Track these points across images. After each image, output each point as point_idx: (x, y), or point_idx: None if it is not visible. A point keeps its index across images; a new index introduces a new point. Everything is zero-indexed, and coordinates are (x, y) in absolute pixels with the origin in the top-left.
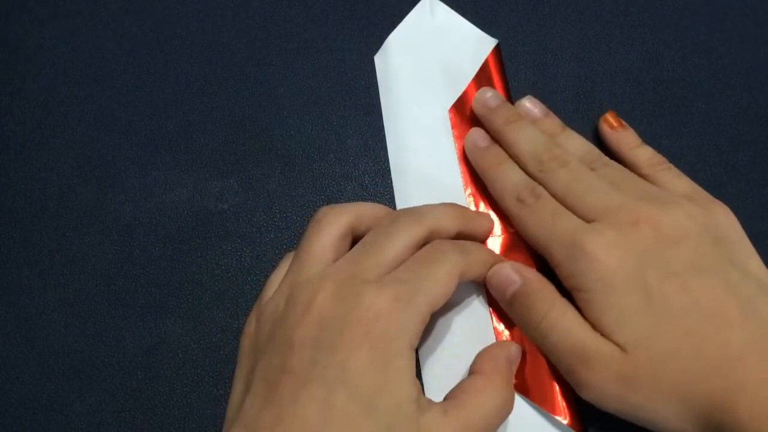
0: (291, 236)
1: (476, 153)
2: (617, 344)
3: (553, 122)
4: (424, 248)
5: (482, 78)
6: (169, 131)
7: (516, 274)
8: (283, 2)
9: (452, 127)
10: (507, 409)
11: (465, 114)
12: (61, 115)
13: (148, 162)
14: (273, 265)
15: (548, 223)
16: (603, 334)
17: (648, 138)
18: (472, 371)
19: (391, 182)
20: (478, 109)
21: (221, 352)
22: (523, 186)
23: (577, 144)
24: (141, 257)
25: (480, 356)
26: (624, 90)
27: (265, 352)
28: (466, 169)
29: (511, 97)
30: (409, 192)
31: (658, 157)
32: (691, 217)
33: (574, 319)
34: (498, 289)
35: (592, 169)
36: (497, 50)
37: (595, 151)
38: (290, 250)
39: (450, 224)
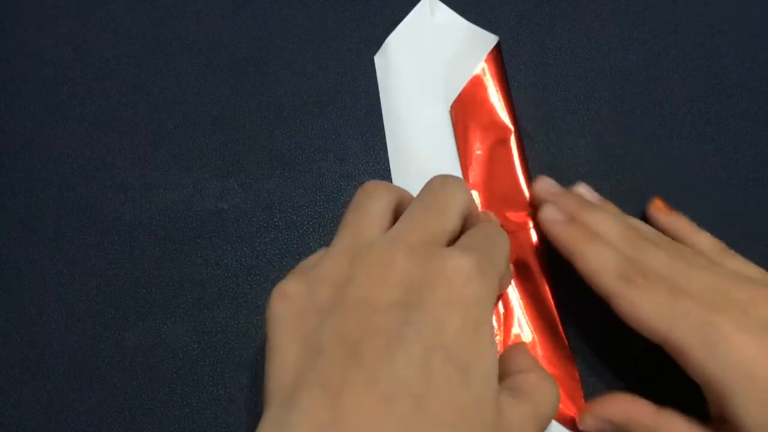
0: (291, 236)
1: (558, 227)
2: None
3: (612, 207)
4: (480, 227)
5: (482, 77)
6: (169, 131)
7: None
8: (283, 2)
9: (453, 127)
10: (558, 403)
11: (465, 113)
12: (61, 115)
13: (148, 162)
14: (273, 265)
15: (667, 303)
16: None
17: (648, 138)
18: (516, 370)
19: (391, 182)
20: (545, 196)
21: (221, 352)
22: (626, 263)
23: (647, 227)
24: (141, 257)
25: (516, 356)
26: (624, 90)
27: (334, 313)
28: (467, 169)
29: (512, 96)
30: (409, 191)
31: (720, 244)
32: None
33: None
34: None
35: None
36: (497, 49)
37: (663, 234)
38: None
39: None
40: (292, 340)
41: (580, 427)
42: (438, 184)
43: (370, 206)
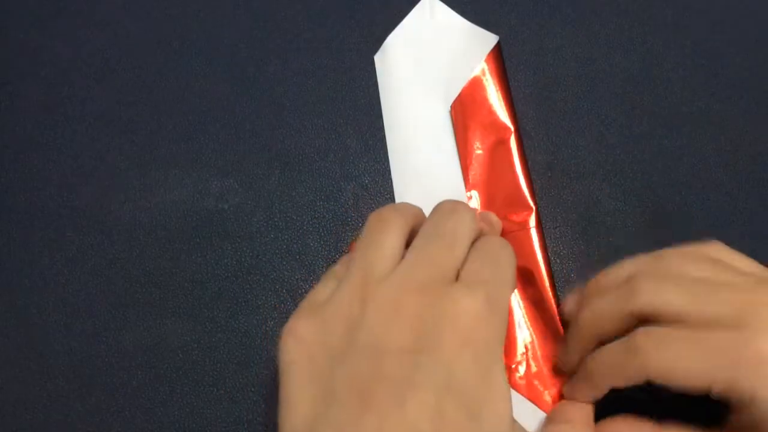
0: (291, 236)
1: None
2: None
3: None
4: (484, 244)
5: (482, 77)
6: (169, 131)
7: None
8: (283, 2)
9: (453, 127)
10: None
11: (465, 113)
12: (61, 115)
13: (148, 162)
14: (273, 265)
15: (699, 349)
16: None
17: (648, 138)
18: (558, 420)
19: (391, 182)
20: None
21: (221, 352)
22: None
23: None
24: (141, 257)
25: (565, 407)
26: (624, 90)
27: (345, 358)
28: (467, 169)
29: (512, 96)
30: (409, 192)
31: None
32: None
33: None
34: None
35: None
36: (497, 48)
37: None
38: (331, 263)
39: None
40: (306, 384)
41: None
42: (447, 211)
43: (384, 241)
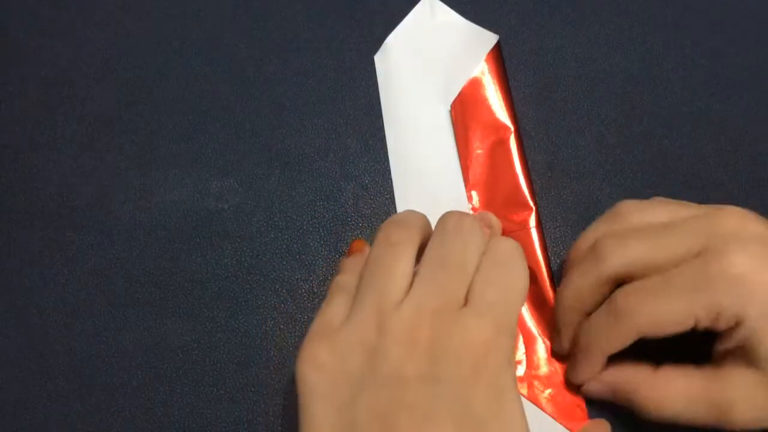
0: (291, 236)
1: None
2: None
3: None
4: (492, 255)
5: (482, 77)
6: (169, 131)
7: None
8: (283, 2)
9: (453, 127)
10: None
11: (465, 113)
12: (61, 115)
13: (148, 162)
14: (273, 265)
15: (674, 290)
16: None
17: (648, 138)
18: None
19: (391, 182)
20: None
21: (221, 352)
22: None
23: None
24: (141, 257)
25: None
26: (624, 90)
27: (366, 386)
28: (467, 169)
29: (512, 96)
30: (409, 192)
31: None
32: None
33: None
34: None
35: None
36: (497, 48)
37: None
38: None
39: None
40: (327, 413)
41: (584, 390)
42: (452, 231)
43: (395, 266)
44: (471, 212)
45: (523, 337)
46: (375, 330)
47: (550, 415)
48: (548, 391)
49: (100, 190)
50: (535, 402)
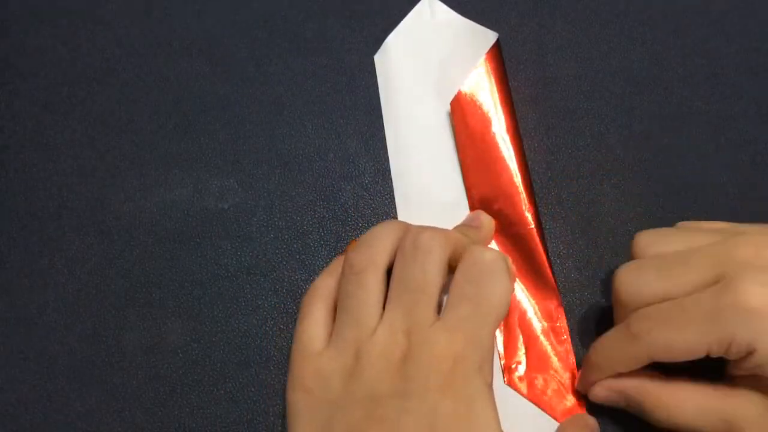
0: (291, 236)
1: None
2: None
3: None
4: (467, 267)
5: (481, 76)
6: (169, 131)
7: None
8: (283, 2)
9: (452, 126)
10: None
11: (465, 112)
12: (61, 115)
13: (147, 161)
14: (273, 265)
15: (688, 318)
16: None
17: (648, 138)
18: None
19: (391, 182)
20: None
21: (221, 352)
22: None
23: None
24: (141, 257)
25: (566, 428)
26: (624, 90)
27: (342, 407)
28: (466, 167)
29: (511, 95)
30: (409, 191)
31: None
32: None
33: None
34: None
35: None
36: (497, 47)
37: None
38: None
39: (462, 240)
40: (309, 430)
41: (590, 397)
42: (410, 249)
43: (363, 297)
44: (469, 212)
45: (523, 337)
46: (353, 357)
47: (550, 415)
48: (548, 391)
49: (100, 190)
50: (536, 402)
